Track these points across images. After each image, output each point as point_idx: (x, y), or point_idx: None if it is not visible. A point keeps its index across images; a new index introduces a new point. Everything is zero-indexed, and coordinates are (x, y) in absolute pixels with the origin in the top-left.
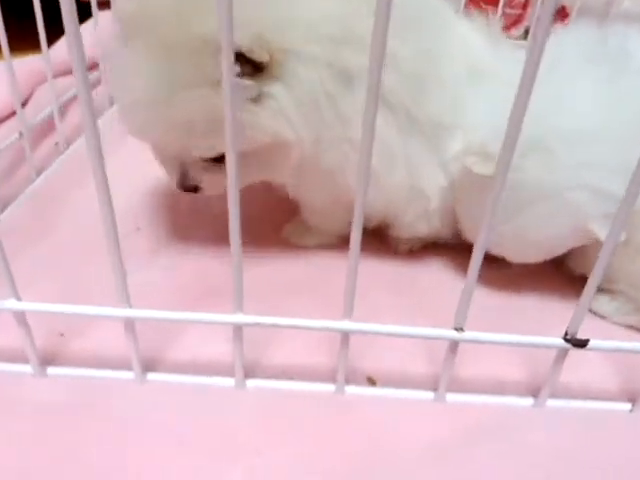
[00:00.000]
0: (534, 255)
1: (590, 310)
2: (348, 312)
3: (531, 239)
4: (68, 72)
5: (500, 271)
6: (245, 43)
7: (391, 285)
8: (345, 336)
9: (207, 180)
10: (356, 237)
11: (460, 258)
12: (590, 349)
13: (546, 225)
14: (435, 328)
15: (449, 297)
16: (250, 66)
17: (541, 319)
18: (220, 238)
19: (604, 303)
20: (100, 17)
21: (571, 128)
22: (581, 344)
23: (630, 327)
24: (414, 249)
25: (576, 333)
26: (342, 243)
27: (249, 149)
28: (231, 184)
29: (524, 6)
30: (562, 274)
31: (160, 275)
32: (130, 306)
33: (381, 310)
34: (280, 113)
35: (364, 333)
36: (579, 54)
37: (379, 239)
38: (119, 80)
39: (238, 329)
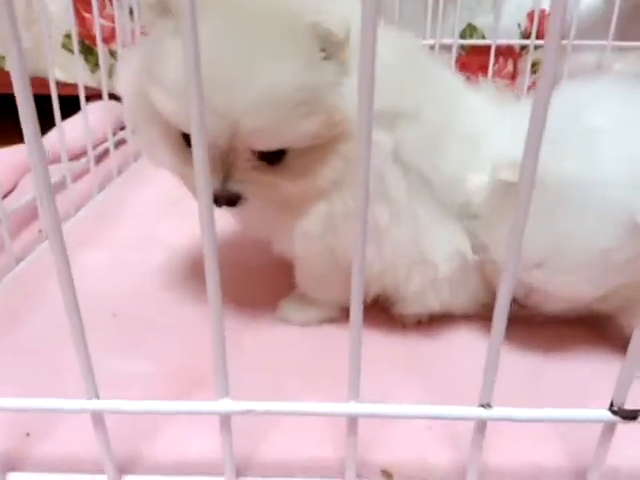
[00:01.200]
0: (581, 286)
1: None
2: (354, 392)
3: (575, 257)
4: (55, 160)
5: (526, 330)
6: (340, 34)
7: (402, 358)
8: (352, 421)
9: (254, 183)
10: (357, 298)
11: (478, 320)
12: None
13: (592, 233)
14: (458, 406)
15: (470, 366)
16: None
17: (578, 386)
18: (205, 319)
19: None
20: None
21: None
22: (632, 416)
23: None
24: (423, 321)
25: (623, 403)
26: (346, 316)
27: (314, 143)
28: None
29: (513, 76)
30: (595, 333)
31: (140, 363)
32: (97, 397)
33: (392, 388)
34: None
35: (374, 416)
36: None
37: (383, 309)
38: (176, 64)
39: (226, 419)
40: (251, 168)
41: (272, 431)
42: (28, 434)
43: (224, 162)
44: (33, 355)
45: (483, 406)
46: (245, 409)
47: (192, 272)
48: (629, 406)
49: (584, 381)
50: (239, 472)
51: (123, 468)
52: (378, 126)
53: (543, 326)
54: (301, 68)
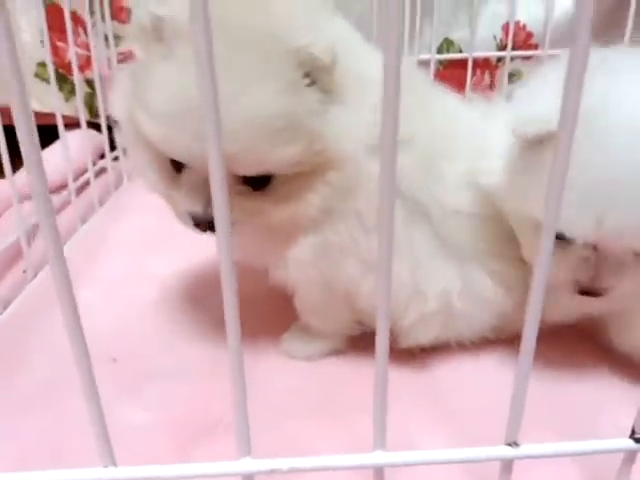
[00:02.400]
0: None
1: None
2: (380, 441)
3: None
4: None
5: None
6: (326, 59)
7: (414, 395)
8: (379, 472)
9: (238, 208)
10: (382, 341)
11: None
12: None
13: None
14: (485, 447)
15: (486, 397)
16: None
17: (592, 409)
18: (209, 358)
19: None
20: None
21: None
22: None
23: None
24: (424, 350)
25: None
26: (352, 347)
27: (299, 169)
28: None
29: (490, 87)
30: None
31: (146, 414)
32: (114, 464)
33: (414, 427)
34: (342, 128)
35: (401, 465)
36: None
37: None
38: (164, 90)
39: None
40: (235, 193)
41: None
42: None
43: (207, 186)
44: (33, 411)
45: (510, 445)
46: (269, 468)
47: (189, 307)
48: None
49: (598, 404)
50: None
51: None
52: (373, 156)
53: (548, 343)
54: (283, 94)
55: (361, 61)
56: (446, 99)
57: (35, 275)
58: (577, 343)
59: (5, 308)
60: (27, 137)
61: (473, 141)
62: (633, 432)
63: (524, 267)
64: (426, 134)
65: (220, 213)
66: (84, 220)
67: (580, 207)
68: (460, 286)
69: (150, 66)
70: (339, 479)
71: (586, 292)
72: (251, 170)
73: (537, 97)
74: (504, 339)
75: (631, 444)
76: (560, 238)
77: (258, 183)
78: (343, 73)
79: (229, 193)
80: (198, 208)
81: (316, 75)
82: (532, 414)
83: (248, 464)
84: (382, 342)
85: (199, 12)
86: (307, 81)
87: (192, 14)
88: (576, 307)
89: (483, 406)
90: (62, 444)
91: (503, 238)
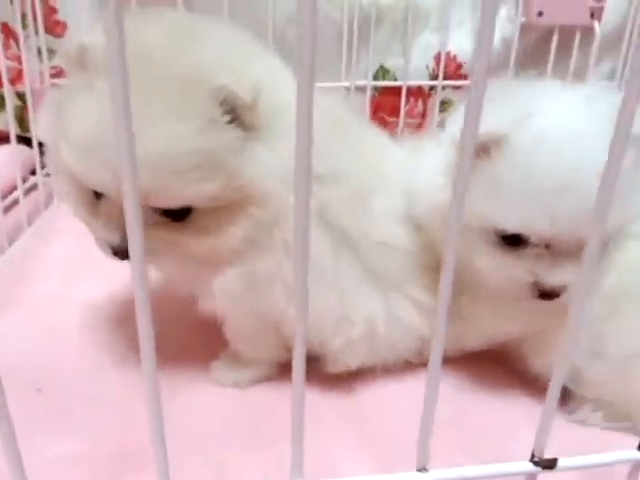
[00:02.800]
0: None
1: (576, 421)
2: (297, 470)
3: None
4: None
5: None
6: (247, 98)
7: (339, 419)
8: None
9: (157, 239)
10: (298, 372)
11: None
12: (560, 470)
13: None
14: (393, 474)
15: (411, 422)
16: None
17: (501, 434)
18: (137, 385)
19: (588, 413)
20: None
21: None
22: (550, 465)
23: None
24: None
25: (543, 452)
26: (281, 373)
27: (218, 204)
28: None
29: (423, 115)
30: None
31: (72, 446)
32: None
33: (334, 457)
34: (264, 165)
35: None
36: None
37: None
38: (82, 121)
39: None
40: (154, 224)
41: None
42: None
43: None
44: None
45: (420, 470)
46: None
47: (116, 332)
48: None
49: (511, 425)
50: None
51: None
52: None
53: (462, 366)
54: (201, 131)
55: (288, 97)
56: (376, 137)
57: None
58: (492, 366)
59: None
60: None
61: (402, 177)
62: (533, 455)
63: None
64: (355, 170)
65: (134, 247)
66: (12, 240)
67: (533, 208)
68: (384, 313)
69: (72, 95)
70: None
71: (545, 294)
72: (168, 203)
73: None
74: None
75: (531, 467)
76: (515, 241)
77: (177, 215)
78: (267, 110)
79: (148, 225)
80: (115, 238)
81: (237, 113)
82: (447, 437)
83: None
84: (299, 370)
85: (115, 43)
86: (227, 119)
87: (108, 45)
88: (492, 333)
89: (405, 430)
90: None
91: (425, 269)
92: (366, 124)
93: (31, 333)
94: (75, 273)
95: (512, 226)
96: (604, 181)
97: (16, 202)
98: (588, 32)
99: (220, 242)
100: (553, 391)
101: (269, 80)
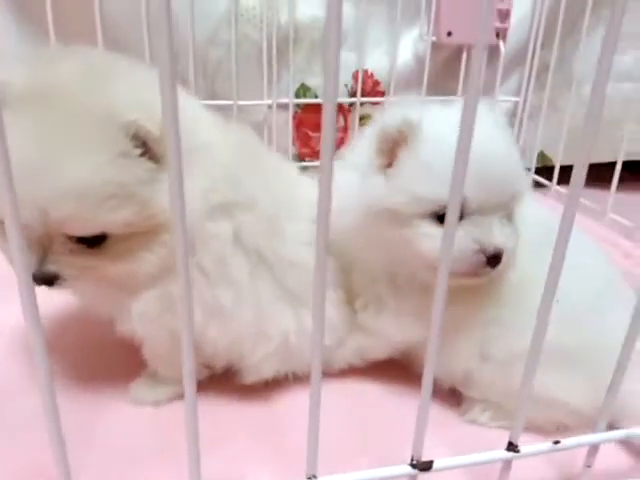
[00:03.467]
0: None
1: (468, 421)
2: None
3: None
4: None
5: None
6: (157, 131)
7: (253, 430)
8: None
9: (71, 264)
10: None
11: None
12: (436, 470)
13: None
14: None
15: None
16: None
17: (400, 438)
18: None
19: (478, 413)
20: None
21: None
22: (427, 467)
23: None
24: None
25: (420, 456)
26: (200, 389)
27: (133, 231)
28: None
29: (345, 129)
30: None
31: None
32: None
33: (244, 468)
34: (163, 198)
35: None
36: None
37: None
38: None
39: None
40: (69, 250)
41: None
42: None
43: (40, 244)
44: None
45: (310, 478)
46: None
47: (24, 356)
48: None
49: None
50: None
51: None
52: (217, 217)
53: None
54: (111, 164)
55: (199, 130)
56: (287, 169)
57: None
58: (395, 372)
59: None
60: None
61: (310, 202)
62: (412, 459)
63: (347, 310)
64: (267, 197)
65: (22, 279)
66: None
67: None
68: (295, 326)
69: None
70: None
71: (491, 257)
72: (81, 232)
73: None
74: (335, 373)
75: (409, 470)
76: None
77: (94, 242)
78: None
79: (63, 251)
80: (33, 265)
81: (147, 146)
82: (353, 441)
83: None
84: (189, 391)
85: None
86: (138, 152)
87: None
88: (396, 342)
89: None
90: None
91: (334, 286)
92: (276, 157)
93: None
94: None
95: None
96: None
97: None
98: (495, 51)
99: (135, 267)
100: (425, 401)
101: (181, 113)
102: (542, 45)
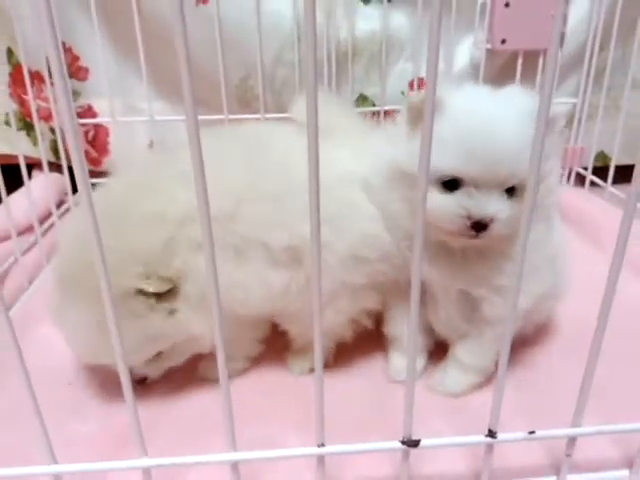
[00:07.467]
0: None
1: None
2: (232, 442)
3: None
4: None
5: None
6: (139, 283)
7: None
8: (234, 467)
9: (150, 370)
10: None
11: None
12: (422, 448)
13: None
14: (297, 448)
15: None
16: (154, 295)
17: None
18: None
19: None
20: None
21: None
22: (415, 444)
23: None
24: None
25: (410, 435)
26: (254, 365)
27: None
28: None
29: None
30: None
31: (93, 427)
32: (55, 461)
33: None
34: (188, 320)
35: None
36: None
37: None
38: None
39: (147, 473)
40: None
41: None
42: None
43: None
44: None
45: (319, 446)
46: (161, 463)
47: None
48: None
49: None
50: None
51: None
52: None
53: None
54: (139, 321)
55: None
56: None
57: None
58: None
59: None
60: None
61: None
62: (403, 437)
63: None
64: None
65: None
66: (50, 258)
67: (465, 154)
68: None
69: None
70: None
71: (476, 223)
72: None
73: None
74: None
75: (400, 446)
76: (452, 185)
77: None
78: None
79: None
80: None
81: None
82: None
83: (144, 462)
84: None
85: None
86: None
87: None
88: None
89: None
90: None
91: None
92: None
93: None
94: None
95: (451, 170)
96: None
97: (52, 225)
98: None
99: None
100: (409, 387)
101: None
102: (600, 46)
